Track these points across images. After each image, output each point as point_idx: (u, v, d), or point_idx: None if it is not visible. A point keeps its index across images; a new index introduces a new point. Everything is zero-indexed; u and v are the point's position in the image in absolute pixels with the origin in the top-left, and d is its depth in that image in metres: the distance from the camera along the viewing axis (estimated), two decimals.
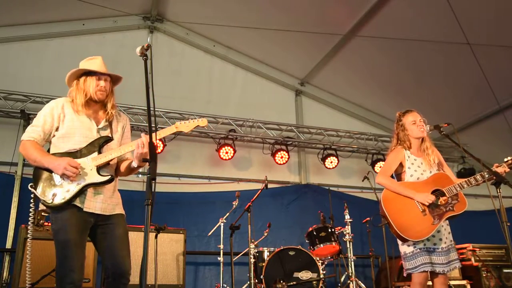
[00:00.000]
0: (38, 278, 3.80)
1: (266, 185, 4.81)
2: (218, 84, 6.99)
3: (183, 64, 6.72)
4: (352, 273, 4.75)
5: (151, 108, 2.05)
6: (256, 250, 4.84)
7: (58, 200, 2.34)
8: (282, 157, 6.72)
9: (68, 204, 2.35)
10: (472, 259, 5.56)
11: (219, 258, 4.90)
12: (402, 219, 2.98)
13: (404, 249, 3.03)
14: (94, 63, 2.60)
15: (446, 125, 3.17)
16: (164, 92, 6.10)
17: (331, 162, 6.91)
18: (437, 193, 3.04)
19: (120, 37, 6.49)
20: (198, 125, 2.61)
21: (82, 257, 2.36)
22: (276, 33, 6.23)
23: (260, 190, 4.79)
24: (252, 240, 4.79)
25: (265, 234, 5.08)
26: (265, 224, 5.12)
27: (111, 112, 2.61)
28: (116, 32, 6.55)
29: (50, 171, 2.40)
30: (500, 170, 2.97)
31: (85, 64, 2.62)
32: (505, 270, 5.61)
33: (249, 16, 6.14)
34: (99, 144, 2.49)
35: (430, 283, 3.06)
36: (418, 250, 2.96)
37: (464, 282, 5.35)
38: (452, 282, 5.24)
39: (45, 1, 5.79)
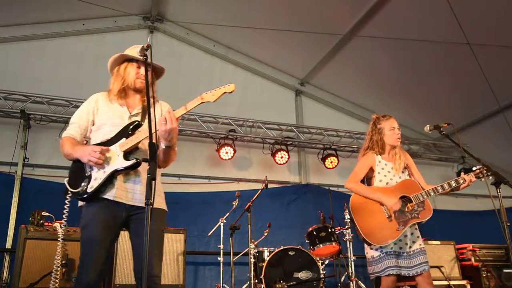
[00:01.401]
0: (38, 278, 3.81)
1: (266, 185, 4.82)
2: (218, 84, 6.85)
3: (183, 64, 6.71)
4: (352, 273, 4.75)
5: (151, 108, 2.03)
6: (256, 250, 4.84)
7: (87, 190, 2.26)
8: (282, 157, 6.72)
9: (97, 193, 2.26)
10: (472, 259, 5.56)
11: (219, 258, 4.91)
12: (368, 224, 3.04)
13: (372, 253, 3.07)
14: (136, 50, 2.46)
15: (446, 125, 3.17)
16: (164, 92, 6.08)
17: (331, 162, 6.91)
18: (405, 199, 3.07)
19: (120, 37, 6.47)
20: (225, 92, 2.40)
21: (105, 254, 2.25)
22: (276, 33, 6.23)
23: (260, 190, 4.79)
24: (252, 240, 4.79)
25: (265, 234, 5.08)
26: (265, 224, 5.12)
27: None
28: (116, 32, 6.55)
29: (83, 163, 2.33)
30: (466, 179, 3.01)
31: (129, 51, 2.53)
32: (505, 270, 5.61)
33: (249, 16, 6.14)
34: (128, 130, 2.36)
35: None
36: (385, 253, 3.00)
37: (464, 282, 5.36)
38: (452, 282, 5.24)
39: (45, 1, 5.79)
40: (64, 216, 2.43)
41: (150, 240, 2.11)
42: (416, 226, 3.11)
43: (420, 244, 3.06)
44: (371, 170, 3.23)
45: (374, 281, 5.72)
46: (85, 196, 2.27)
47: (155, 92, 2.58)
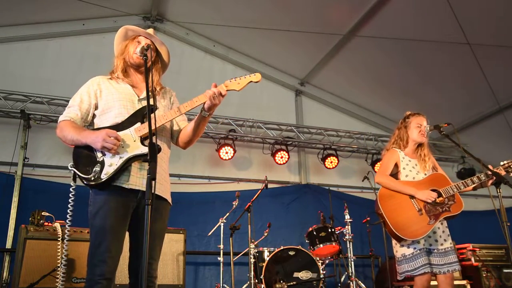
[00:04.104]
0: (38, 278, 3.80)
1: (266, 185, 4.82)
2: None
3: (183, 64, 6.72)
4: (352, 273, 4.75)
5: (151, 108, 2.00)
6: (256, 250, 4.84)
7: (101, 176, 2.09)
8: (282, 157, 6.72)
9: (111, 181, 2.11)
10: (472, 259, 5.56)
11: (219, 258, 4.91)
12: (398, 218, 2.98)
13: (403, 250, 3.01)
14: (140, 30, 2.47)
15: (446, 125, 3.18)
16: None
17: (331, 162, 6.91)
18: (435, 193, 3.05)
19: None
20: (251, 81, 2.38)
21: (118, 247, 2.11)
22: (276, 33, 6.23)
23: (260, 190, 4.80)
24: (252, 240, 4.79)
25: (265, 234, 5.09)
26: (265, 224, 5.13)
27: (154, 83, 2.33)
28: (116, 32, 6.53)
29: (90, 148, 2.16)
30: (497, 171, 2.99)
31: (131, 27, 2.50)
32: (505, 270, 5.61)
33: (249, 16, 6.13)
34: (142, 114, 2.24)
35: (435, 282, 3.04)
36: (418, 251, 2.94)
37: (464, 282, 5.35)
38: None
39: (45, 1, 5.79)
40: (69, 211, 2.21)
41: (154, 240, 2.13)
42: (446, 224, 3.09)
43: (450, 243, 3.04)
44: (396, 166, 3.23)
45: (374, 281, 5.75)
46: (98, 182, 2.10)
47: (160, 73, 2.47)
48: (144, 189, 2.14)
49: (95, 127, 2.31)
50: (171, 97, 2.53)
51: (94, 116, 2.34)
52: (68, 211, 2.23)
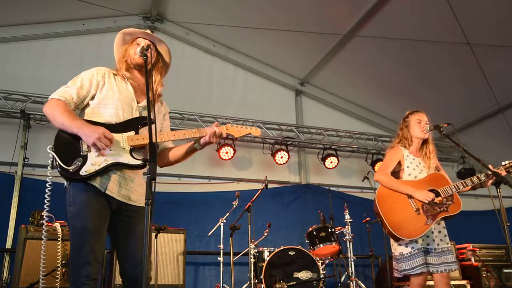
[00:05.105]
0: (38, 278, 3.81)
1: (266, 185, 4.82)
2: (218, 84, 6.99)
3: (183, 64, 6.71)
4: (352, 273, 4.75)
5: (151, 108, 1.99)
6: (256, 250, 4.84)
7: (80, 172, 2.03)
8: (282, 157, 6.72)
9: (88, 180, 2.07)
10: (472, 259, 5.56)
11: (219, 258, 4.91)
12: (396, 217, 2.98)
13: (401, 249, 3.01)
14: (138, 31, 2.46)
15: (446, 125, 3.17)
16: (164, 92, 6.07)
17: (331, 162, 6.91)
18: (433, 193, 3.04)
19: None
20: (250, 133, 2.45)
21: (101, 247, 2.09)
22: (276, 33, 6.23)
23: (260, 190, 4.79)
24: (252, 240, 4.79)
25: (265, 234, 5.08)
26: (265, 224, 5.12)
27: (156, 83, 2.34)
28: (116, 32, 6.48)
29: (77, 137, 2.09)
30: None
31: (129, 29, 2.50)
32: (505, 270, 5.61)
33: (249, 16, 6.14)
34: (138, 124, 2.21)
35: (431, 283, 3.05)
36: (416, 250, 2.94)
37: (464, 282, 5.36)
38: (452, 282, 5.24)
39: (45, 1, 5.79)
40: (46, 196, 2.14)
41: (140, 241, 2.14)
42: (444, 225, 3.09)
43: (447, 243, 3.04)
44: (399, 164, 3.22)
45: (374, 281, 5.75)
46: (75, 177, 2.05)
47: (161, 73, 2.47)
48: (119, 198, 2.15)
49: (85, 116, 2.24)
50: (165, 115, 2.53)
51: (87, 105, 2.27)
52: (45, 206, 2.17)
